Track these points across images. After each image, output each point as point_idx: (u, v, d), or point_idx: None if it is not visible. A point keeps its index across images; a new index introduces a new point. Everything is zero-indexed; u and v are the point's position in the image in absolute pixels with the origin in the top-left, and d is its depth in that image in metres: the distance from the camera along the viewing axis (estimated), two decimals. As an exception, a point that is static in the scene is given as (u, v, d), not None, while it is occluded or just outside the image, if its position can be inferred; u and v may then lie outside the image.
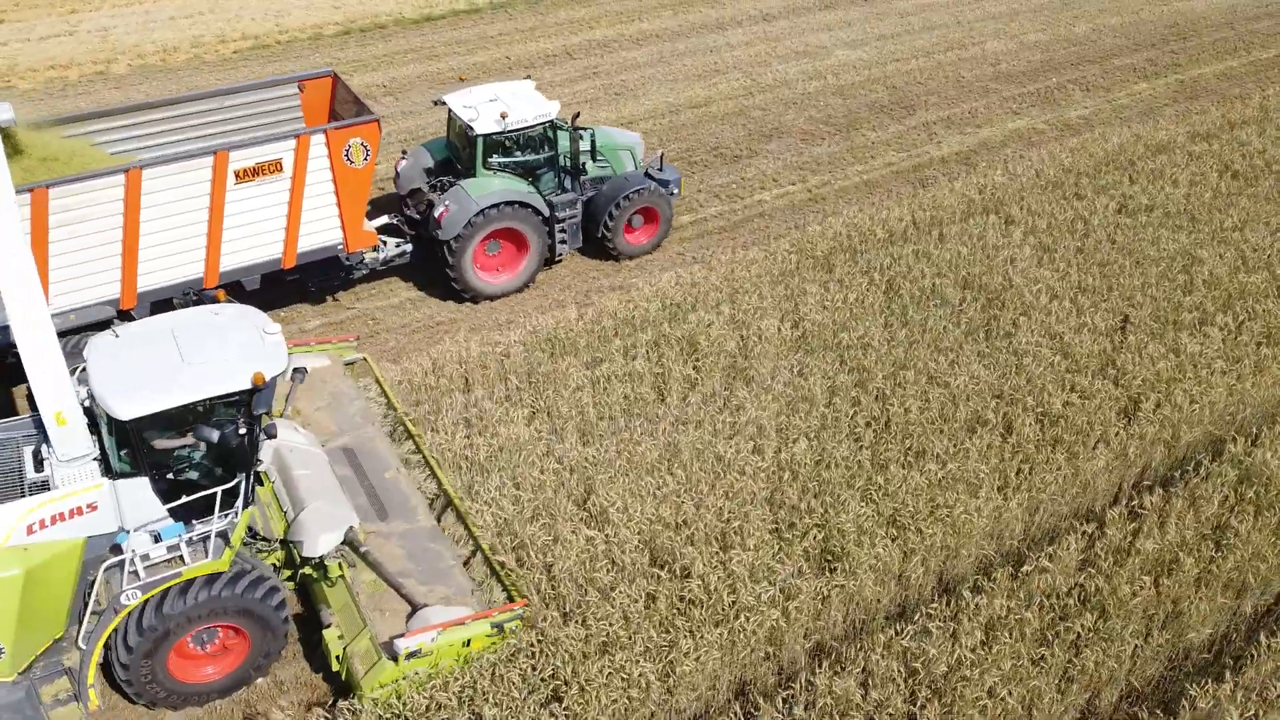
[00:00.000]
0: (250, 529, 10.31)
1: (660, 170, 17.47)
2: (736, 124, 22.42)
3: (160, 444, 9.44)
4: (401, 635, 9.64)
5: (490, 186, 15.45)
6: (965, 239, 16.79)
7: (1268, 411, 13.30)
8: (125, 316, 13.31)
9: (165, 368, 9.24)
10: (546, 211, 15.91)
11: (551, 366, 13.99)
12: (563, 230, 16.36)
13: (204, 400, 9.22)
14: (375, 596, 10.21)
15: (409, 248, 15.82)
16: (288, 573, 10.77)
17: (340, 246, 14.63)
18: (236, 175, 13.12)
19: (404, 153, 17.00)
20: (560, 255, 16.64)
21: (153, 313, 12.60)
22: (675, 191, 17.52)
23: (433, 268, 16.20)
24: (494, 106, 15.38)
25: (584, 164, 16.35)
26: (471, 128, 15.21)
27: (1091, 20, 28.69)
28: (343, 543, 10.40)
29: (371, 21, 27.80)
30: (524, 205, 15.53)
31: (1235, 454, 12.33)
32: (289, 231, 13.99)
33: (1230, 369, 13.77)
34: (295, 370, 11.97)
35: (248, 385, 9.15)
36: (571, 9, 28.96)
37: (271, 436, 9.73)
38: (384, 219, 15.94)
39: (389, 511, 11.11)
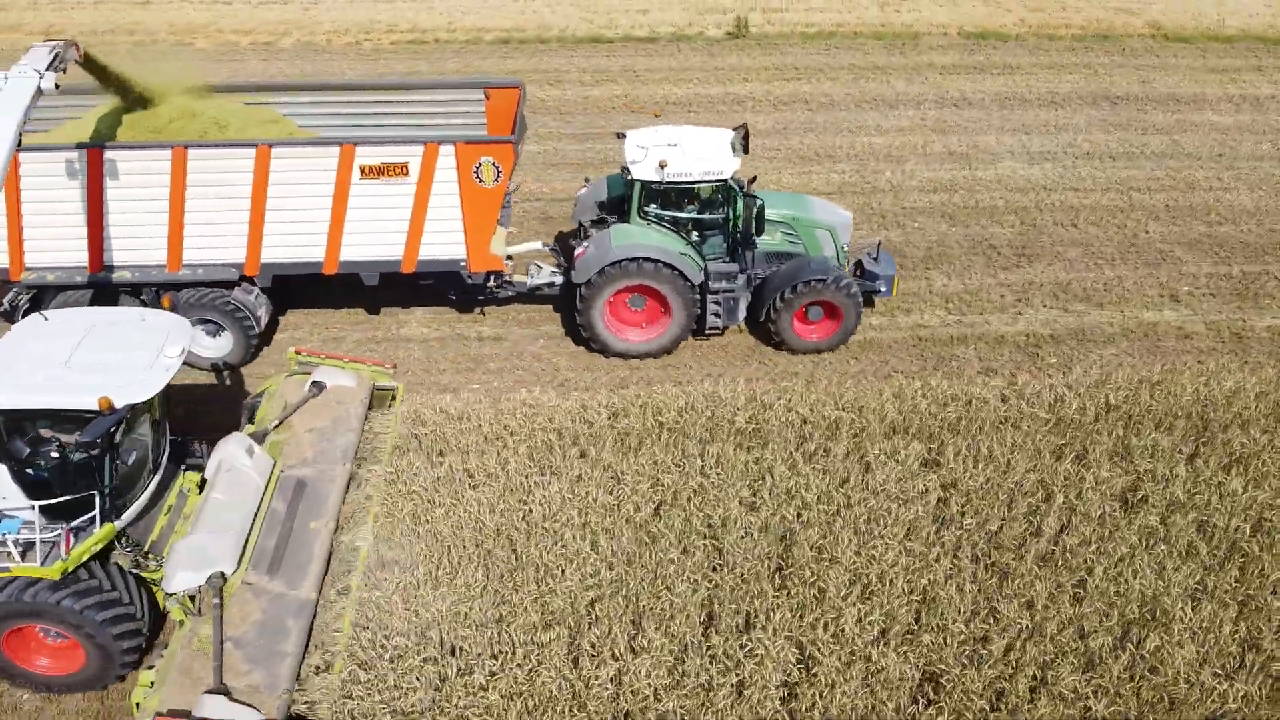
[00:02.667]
0: (136, 542, 10.09)
1: (875, 260, 15.18)
2: (787, 227, 18.18)
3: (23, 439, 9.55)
4: (159, 716, 8.58)
5: (636, 238, 14.11)
6: (843, 466, 11.85)
7: None
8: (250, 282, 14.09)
9: (45, 365, 9.41)
10: (696, 278, 14.16)
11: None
12: (717, 303, 14.47)
13: (47, 409, 9.27)
14: (198, 655, 9.12)
15: (559, 279, 14.80)
16: None
17: (463, 264, 13.94)
18: (362, 170, 13.00)
19: (586, 180, 15.99)
20: (714, 328, 14.78)
21: (274, 285, 13.91)
22: (883, 290, 15.09)
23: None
24: (664, 153, 13.84)
25: (753, 235, 14.15)
26: (629, 170, 13.98)
27: None
28: (207, 584, 9.52)
29: (535, 34, 26.65)
30: (667, 265, 13.88)
31: None
32: (410, 237, 13.59)
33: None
34: (313, 383, 11.61)
35: (92, 406, 8.93)
36: (753, 54, 25.57)
37: (116, 458, 9.56)
38: (536, 244, 15.29)
39: (281, 567, 9.87)
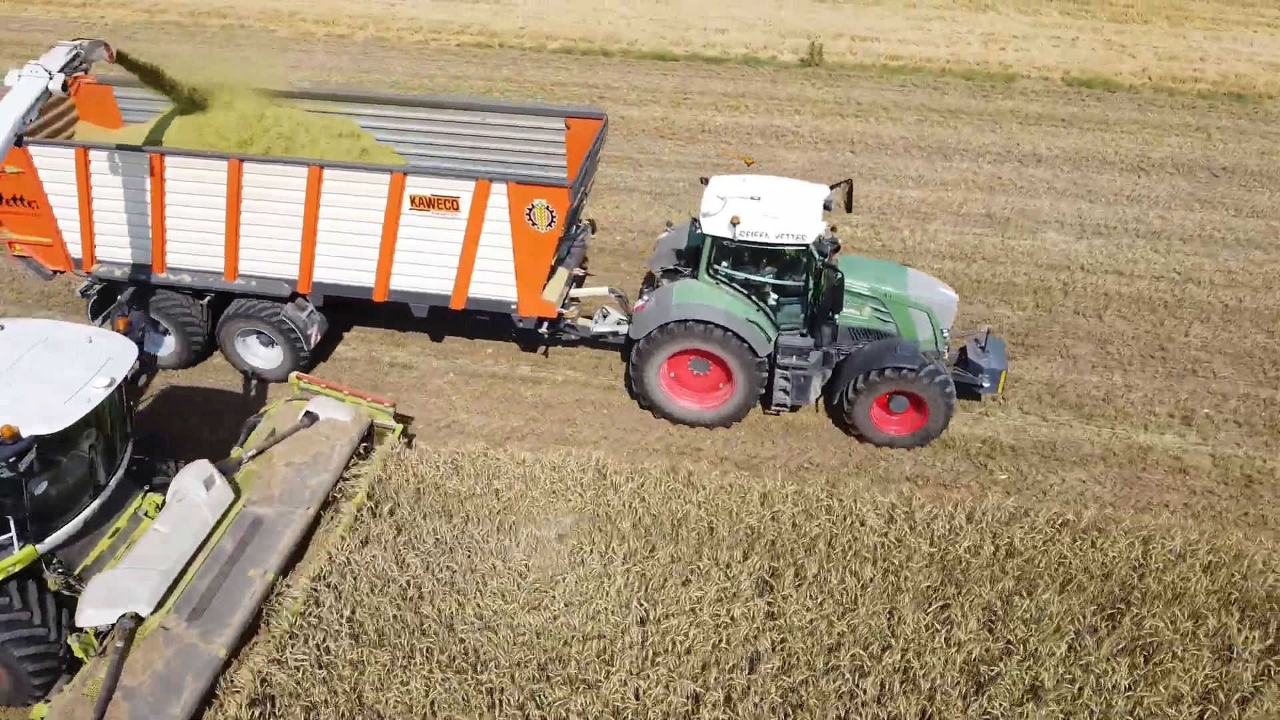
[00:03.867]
0: (68, 564, 9.80)
1: (982, 349, 13.26)
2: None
3: None
4: None
5: (700, 297, 12.73)
6: (662, 573, 10.31)
7: None
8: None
9: None
10: (764, 349, 12.69)
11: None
12: (786, 379, 13.06)
13: None
14: (86, 701, 8.67)
15: (624, 330, 13.79)
16: None
17: (514, 307, 13.21)
18: (412, 200, 12.49)
19: (668, 224, 14.74)
20: (781, 405, 13.25)
21: (326, 305, 13.71)
22: (986, 386, 13.05)
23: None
24: (741, 207, 12.33)
25: (831, 311, 12.47)
26: (699, 222, 12.63)
27: None
28: (117, 624, 9.15)
29: (600, 45, 25.78)
30: (728, 331, 12.54)
31: None
32: (460, 274, 12.98)
33: None
34: (305, 414, 11.40)
35: None
36: (819, 85, 23.76)
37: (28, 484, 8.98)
38: (603, 289, 14.40)
39: (202, 614, 9.33)
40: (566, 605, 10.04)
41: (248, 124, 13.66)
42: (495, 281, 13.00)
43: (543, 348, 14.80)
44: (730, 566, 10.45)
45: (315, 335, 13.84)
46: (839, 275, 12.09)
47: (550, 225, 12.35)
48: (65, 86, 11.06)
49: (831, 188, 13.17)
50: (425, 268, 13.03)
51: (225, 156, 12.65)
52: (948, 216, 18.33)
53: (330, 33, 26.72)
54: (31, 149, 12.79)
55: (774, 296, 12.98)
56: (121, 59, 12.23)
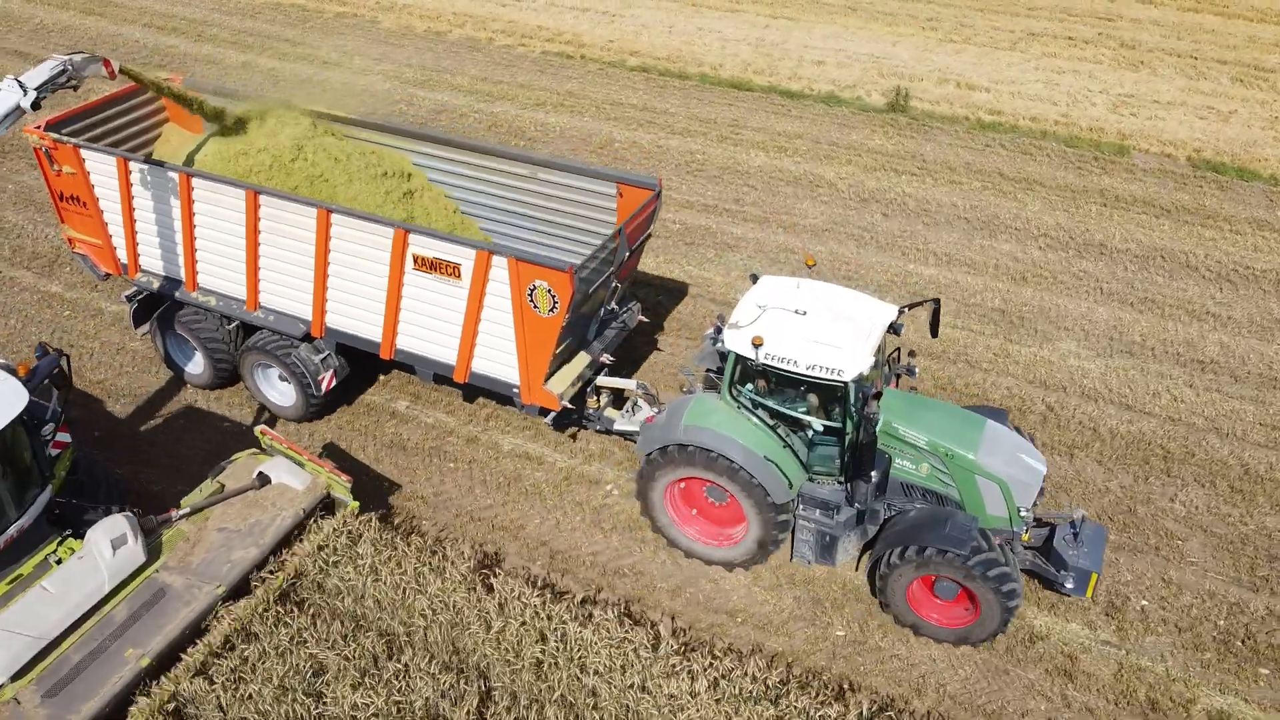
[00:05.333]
0: None
1: (1074, 537, 10.56)
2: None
3: None
4: None
5: (715, 420, 10.78)
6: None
7: None
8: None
9: None
10: (782, 495, 10.61)
11: None
12: (808, 533, 11.06)
13: None
14: None
15: None
16: None
17: (516, 391, 12.14)
18: (415, 260, 11.76)
19: (719, 319, 11.76)
20: (805, 560, 11.22)
21: (337, 352, 13.17)
22: (1069, 586, 10.43)
23: None
24: (775, 322, 10.34)
25: (863, 467, 10.41)
26: (722, 334, 10.74)
27: None
28: None
29: (679, 68, 24.39)
30: (737, 466, 10.58)
31: None
32: (462, 345, 12.08)
33: None
34: (259, 474, 10.80)
35: None
36: (891, 133, 21.36)
37: None
38: (631, 383, 12.74)
39: (60, 692, 8.66)
40: (232, 680, 9.21)
41: (281, 157, 13.28)
42: (497, 360, 11.95)
43: (570, 429, 13.40)
44: (420, 678, 9.23)
45: (327, 381, 13.15)
46: (874, 427, 9.77)
47: (552, 311, 11.08)
48: (37, 105, 10.90)
49: (909, 307, 11.05)
50: (429, 332, 12.21)
51: (244, 186, 12.24)
52: (952, 305, 15.82)
53: (430, 28, 26.91)
54: (83, 152, 12.87)
55: (810, 431, 10.63)
56: (126, 74, 12.12)
